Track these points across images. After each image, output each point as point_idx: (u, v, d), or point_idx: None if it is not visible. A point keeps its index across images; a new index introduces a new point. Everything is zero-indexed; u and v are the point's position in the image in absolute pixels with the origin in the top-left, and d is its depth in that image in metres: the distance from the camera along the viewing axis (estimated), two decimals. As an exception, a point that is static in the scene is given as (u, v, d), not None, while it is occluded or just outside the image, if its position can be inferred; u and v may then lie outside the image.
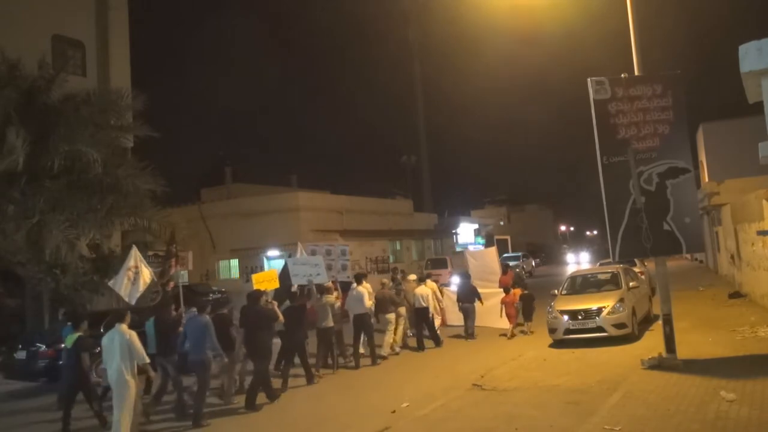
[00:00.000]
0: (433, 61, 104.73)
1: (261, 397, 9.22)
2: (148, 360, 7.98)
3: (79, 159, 13.18)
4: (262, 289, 10.56)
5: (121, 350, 7.64)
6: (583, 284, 13.88)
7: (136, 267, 10.94)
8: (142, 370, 7.95)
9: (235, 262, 32.10)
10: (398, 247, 37.97)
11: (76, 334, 8.71)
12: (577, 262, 45.73)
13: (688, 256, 31.33)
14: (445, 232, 45.37)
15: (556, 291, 14.03)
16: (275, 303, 10.57)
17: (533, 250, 50.80)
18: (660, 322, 9.83)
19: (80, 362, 8.47)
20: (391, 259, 35.14)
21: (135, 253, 11.22)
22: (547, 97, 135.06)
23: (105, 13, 21.12)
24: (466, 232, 49.62)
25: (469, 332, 14.16)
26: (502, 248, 47.26)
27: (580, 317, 11.78)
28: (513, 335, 13.80)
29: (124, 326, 7.85)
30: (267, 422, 8.56)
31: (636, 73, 10.21)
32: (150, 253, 20.07)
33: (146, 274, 11.10)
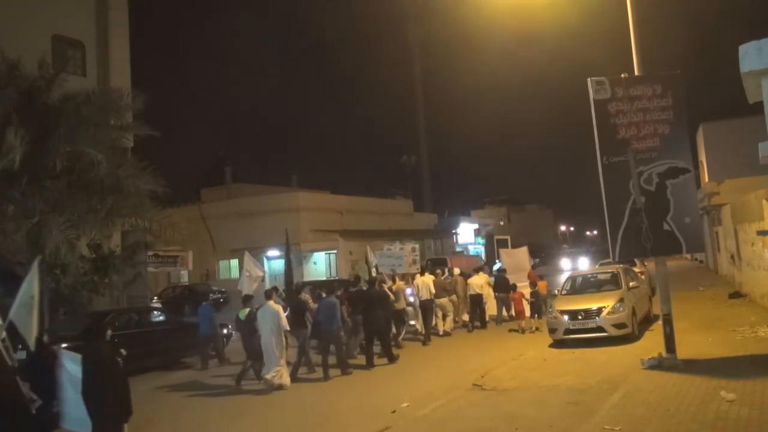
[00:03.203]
0: (433, 61, 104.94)
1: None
2: (288, 327, 10.51)
3: (79, 159, 13.16)
4: None
5: (272, 320, 10.22)
6: (583, 284, 13.89)
7: (249, 270, 13.53)
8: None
9: (235, 262, 32.09)
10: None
11: (247, 310, 11.44)
12: (574, 268, 38.54)
13: (688, 256, 31.31)
14: (445, 232, 45.36)
15: (556, 291, 14.09)
16: (385, 286, 13.21)
17: (533, 250, 50.56)
18: (660, 322, 9.84)
19: (252, 328, 10.87)
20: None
21: (248, 258, 13.92)
22: (547, 97, 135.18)
23: (105, 13, 21.08)
24: (466, 232, 49.62)
25: (506, 318, 15.83)
26: (502, 248, 47.35)
27: (580, 317, 11.78)
28: (525, 330, 14.28)
29: (272, 302, 10.55)
30: (268, 422, 8.57)
31: (636, 73, 10.20)
32: (150, 253, 20.08)
33: (257, 272, 13.61)
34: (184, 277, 31.43)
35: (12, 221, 12.49)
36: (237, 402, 9.96)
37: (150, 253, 19.88)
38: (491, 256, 42.78)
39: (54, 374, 6.86)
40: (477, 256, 37.68)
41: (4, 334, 6.95)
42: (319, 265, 32.43)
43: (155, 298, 24.90)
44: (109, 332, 7.12)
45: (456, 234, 47.44)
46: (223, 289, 28.49)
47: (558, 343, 12.07)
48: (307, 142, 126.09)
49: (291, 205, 31.31)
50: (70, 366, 6.89)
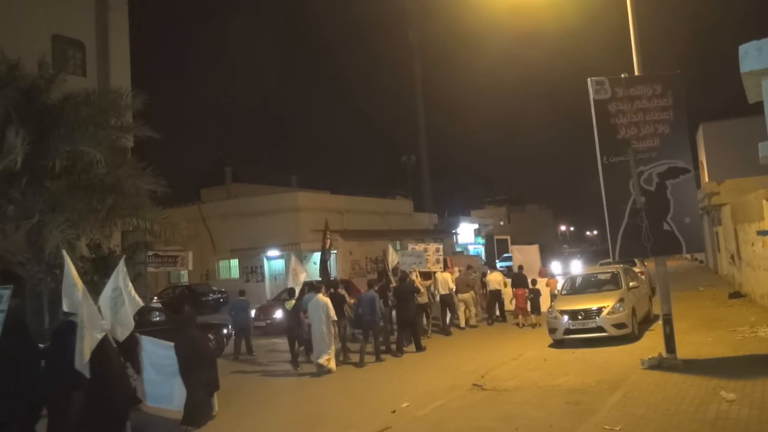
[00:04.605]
0: (433, 60, 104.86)
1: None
2: (336, 318, 11.68)
3: (80, 159, 13.15)
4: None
5: (321, 311, 11.35)
6: (583, 284, 13.89)
7: (295, 269, 14.61)
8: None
9: (235, 262, 32.05)
10: (398, 247, 37.91)
11: (293, 301, 12.72)
12: (566, 273, 30.70)
13: (688, 256, 31.28)
14: (445, 232, 45.32)
15: (556, 291, 14.12)
16: (417, 280, 14.70)
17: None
18: (660, 322, 9.84)
19: (298, 318, 12.27)
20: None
21: (293, 259, 15.19)
22: (547, 97, 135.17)
23: (105, 13, 21.07)
24: (466, 232, 49.61)
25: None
26: (502, 248, 47.26)
27: (580, 317, 11.79)
28: (524, 324, 15.40)
29: (320, 295, 11.74)
30: (268, 421, 8.57)
31: (636, 72, 10.21)
32: (150, 253, 20.05)
33: (300, 271, 14.69)
34: (184, 277, 31.39)
35: (12, 221, 12.47)
36: (238, 400, 9.96)
37: (150, 253, 19.84)
38: (491, 256, 42.76)
39: (135, 357, 7.97)
40: (477, 256, 37.69)
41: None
42: (319, 265, 32.41)
43: (155, 298, 24.87)
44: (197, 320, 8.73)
45: (456, 234, 47.42)
46: (223, 289, 28.46)
47: (558, 343, 12.07)
48: (307, 142, 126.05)
49: (291, 205, 31.23)
50: (151, 349, 8.22)
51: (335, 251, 31.65)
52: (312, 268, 32.00)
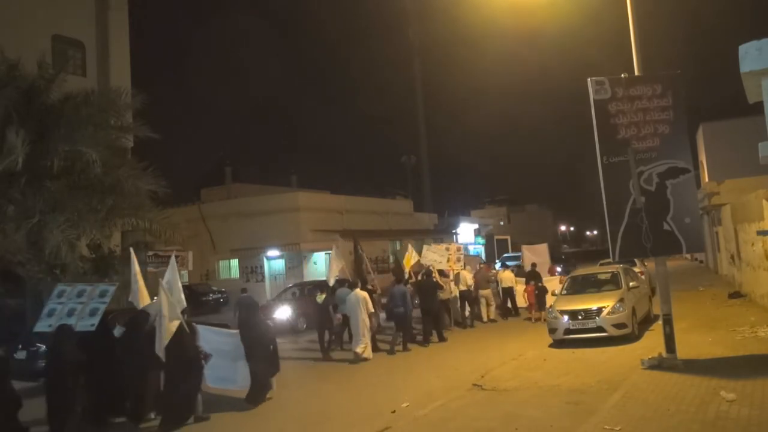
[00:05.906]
0: (433, 60, 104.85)
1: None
2: (373, 310, 12.73)
3: (79, 159, 13.16)
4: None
5: (359, 304, 12.40)
6: (583, 284, 13.88)
7: (335, 261, 15.07)
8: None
9: (235, 262, 32.05)
10: (398, 247, 37.89)
11: (323, 295, 13.44)
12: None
13: (688, 256, 31.28)
14: (446, 232, 45.29)
15: (556, 291, 14.12)
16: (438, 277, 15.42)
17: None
18: (660, 322, 9.84)
19: (328, 310, 13.22)
20: (391, 260, 35.05)
21: (333, 252, 15.56)
22: (547, 97, 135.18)
23: (105, 13, 21.11)
24: (466, 232, 49.59)
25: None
26: (501, 248, 47.25)
27: (580, 317, 11.78)
28: (537, 319, 15.96)
29: (358, 290, 12.81)
30: (268, 421, 8.57)
31: (636, 72, 10.20)
32: (150, 253, 20.06)
33: (337, 265, 15.25)
34: (184, 277, 31.39)
35: (12, 221, 12.47)
36: (240, 398, 9.96)
37: (150, 253, 19.85)
38: (491, 256, 42.74)
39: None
40: (477, 256, 37.69)
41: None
42: (319, 265, 32.33)
43: (155, 298, 24.88)
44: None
45: (456, 234, 47.40)
46: (223, 289, 28.45)
47: (558, 343, 12.06)
48: (307, 142, 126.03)
49: (291, 205, 31.21)
50: (209, 337, 9.20)
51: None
52: (312, 268, 32.11)
